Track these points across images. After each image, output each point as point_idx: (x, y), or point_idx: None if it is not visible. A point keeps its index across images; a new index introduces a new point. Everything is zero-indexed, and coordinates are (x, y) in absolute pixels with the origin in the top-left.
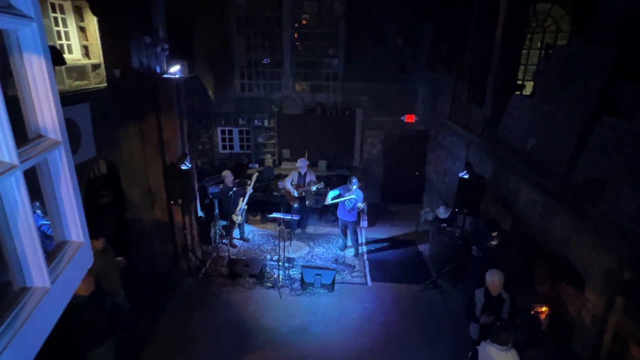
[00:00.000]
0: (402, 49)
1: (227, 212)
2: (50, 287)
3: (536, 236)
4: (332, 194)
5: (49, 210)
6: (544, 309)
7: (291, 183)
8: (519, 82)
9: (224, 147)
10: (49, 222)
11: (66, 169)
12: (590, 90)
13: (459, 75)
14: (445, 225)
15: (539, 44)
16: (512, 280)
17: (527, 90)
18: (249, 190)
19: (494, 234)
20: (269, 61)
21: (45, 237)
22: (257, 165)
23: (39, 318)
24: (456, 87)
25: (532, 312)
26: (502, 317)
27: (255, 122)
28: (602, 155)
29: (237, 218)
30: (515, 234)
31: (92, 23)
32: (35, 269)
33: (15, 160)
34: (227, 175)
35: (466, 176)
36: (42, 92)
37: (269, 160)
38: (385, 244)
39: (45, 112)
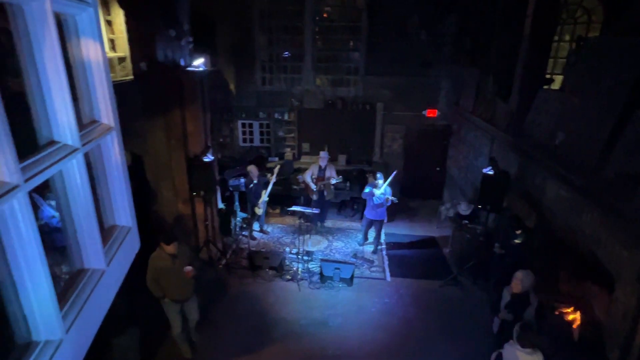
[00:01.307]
0: (425, 42)
1: (248, 205)
2: (106, 269)
3: (562, 233)
4: (367, 189)
5: (100, 195)
6: (572, 316)
7: (311, 177)
8: (548, 76)
9: (244, 141)
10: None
11: (117, 154)
12: (624, 82)
13: (483, 69)
14: (466, 221)
15: (569, 36)
16: (536, 278)
17: (556, 85)
18: (272, 180)
19: (518, 231)
20: (290, 55)
21: (55, 230)
22: (276, 159)
23: (97, 298)
24: (480, 80)
25: (557, 313)
26: (522, 317)
27: (276, 115)
28: (636, 149)
29: (259, 210)
30: (540, 231)
31: (118, 17)
32: (93, 251)
33: (78, 144)
34: (252, 170)
35: (490, 172)
36: (97, 76)
37: (288, 154)
38: (405, 240)
39: (100, 97)
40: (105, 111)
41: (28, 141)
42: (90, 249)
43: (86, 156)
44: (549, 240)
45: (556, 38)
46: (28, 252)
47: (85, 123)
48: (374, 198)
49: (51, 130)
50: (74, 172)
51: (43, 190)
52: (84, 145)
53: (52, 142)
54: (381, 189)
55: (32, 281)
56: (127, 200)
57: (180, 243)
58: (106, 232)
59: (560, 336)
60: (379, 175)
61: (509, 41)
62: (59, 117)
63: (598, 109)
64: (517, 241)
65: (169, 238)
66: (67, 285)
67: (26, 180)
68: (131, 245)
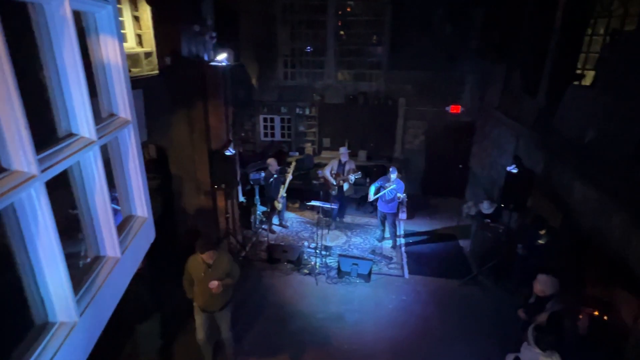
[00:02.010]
0: (450, 36)
1: (268, 198)
2: (121, 257)
3: (589, 236)
4: (373, 188)
5: (117, 186)
6: (593, 312)
7: (330, 172)
8: (579, 71)
9: (266, 135)
10: None
11: (134, 146)
12: None
13: (511, 64)
14: (489, 220)
15: (603, 30)
16: (560, 281)
17: (587, 81)
18: (289, 177)
19: (542, 231)
20: (312, 49)
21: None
22: (297, 154)
23: (111, 285)
24: (507, 76)
25: (581, 317)
26: (533, 321)
27: (297, 110)
28: None
29: (279, 205)
30: (566, 233)
31: (145, 12)
32: (108, 240)
33: (94, 136)
34: (272, 162)
35: (515, 170)
36: (115, 72)
37: (309, 148)
38: (424, 237)
39: (118, 92)
40: (123, 105)
41: (48, 133)
42: (106, 237)
43: (104, 148)
44: (574, 242)
45: (589, 31)
46: (44, 239)
47: (103, 116)
48: (386, 193)
49: (69, 123)
50: (91, 163)
51: None
52: (100, 137)
53: (70, 135)
54: (392, 184)
55: (49, 266)
56: (143, 192)
57: (220, 252)
58: (122, 221)
59: (576, 336)
60: (392, 169)
61: (538, 35)
62: (77, 110)
63: (631, 107)
64: (540, 242)
65: (204, 246)
66: (82, 271)
67: (43, 171)
68: (146, 235)
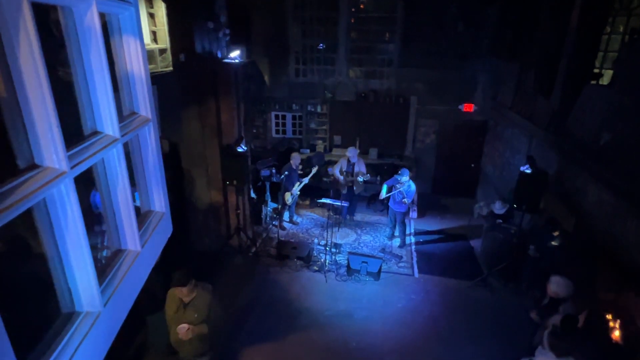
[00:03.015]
0: (463, 35)
1: (280, 192)
2: (141, 251)
3: (603, 240)
4: (385, 187)
5: (137, 182)
6: (611, 324)
7: (340, 170)
8: (596, 70)
9: (277, 132)
10: None
11: (154, 144)
12: None
13: (524, 63)
14: (500, 221)
15: (622, 28)
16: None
17: (605, 80)
18: (305, 180)
19: (555, 234)
20: (324, 47)
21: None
22: (308, 151)
23: (132, 277)
24: (521, 75)
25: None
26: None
27: (308, 107)
28: None
29: (289, 199)
30: (579, 236)
31: (160, 9)
32: (129, 234)
33: (118, 134)
34: (295, 156)
35: (528, 170)
36: (137, 71)
37: (320, 146)
38: (435, 237)
39: (139, 91)
40: (144, 104)
41: (75, 131)
42: (127, 231)
43: (125, 145)
44: (588, 245)
45: (607, 30)
46: (72, 232)
47: (125, 115)
48: (396, 194)
49: (95, 121)
50: (114, 160)
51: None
52: (123, 135)
53: (95, 132)
54: (403, 186)
55: (76, 258)
56: (161, 188)
57: (201, 291)
58: (142, 216)
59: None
60: (402, 171)
61: (553, 33)
62: (102, 109)
63: None
64: (553, 243)
65: (180, 278)
66: (106, 263)
67: (72, 167)
68: (164, 229)
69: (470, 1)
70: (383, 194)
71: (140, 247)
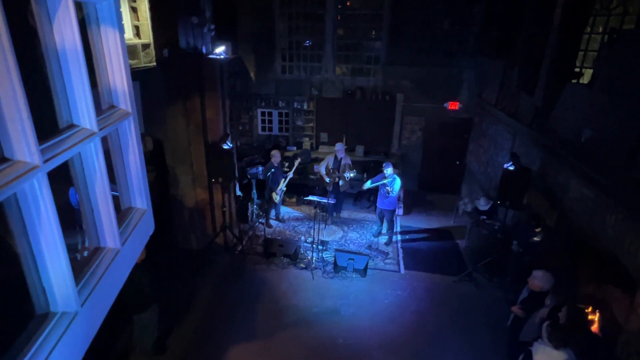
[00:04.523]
0: (449, 32)
1: (267, 189)
2: (121, 249)
3: (584, 234)
4: (369, 182)
5: (117, 178)
6: (591, 317)
7: (327, 167)
8: (577, 70)
9: (263, 129)
10: None
11: (134, 139)
12: None
13: (509, 61)
14: (485, 217)
15: (601, 28)
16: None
17: (585, 79)
18: (290, 174)
19: (537, 229)
20: (310, 43)
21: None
22: (294, 148)
23: (111, 276)
24: (505, 73)
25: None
26: (533, 316)
27: (295, 104)
28: None
29: (276, 197)
30: (561, 231)
31: (143, 3)
32: (108, 231)
33: (95, 128)
34: (275, 154)
35: (511, 167)
36: (116, 63)
37: (306, 143)
38: (421, 233)
39: (118, 84)
40: (123, 97)
41: (49, 124)
42: (106, 228)
43: (104, 140)
44: (569, 240)
45: (587, 30)
46: (46, 229)
47: (104, 108)
48: (380, 184)
49: (70, 114)
50: (92, 155)
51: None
52: (101, 129)
53: (71, 126)
54: (388, 179)
55: (51, 256)
56: (143, 184)
57: None
58: (122, 213)
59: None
60: (386, 164)
61: (536, 32)
62: (78, 101)
63: (629, 106)
64: (536, 239)
65: None
66: (83, 261)
67: (45, 161)
68: (146, 227)
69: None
70: (367, 185)
71: (121, 245)
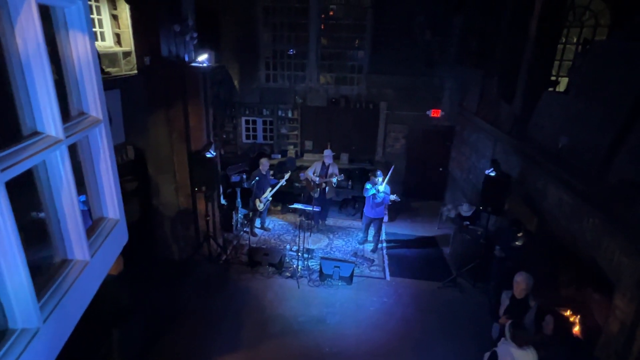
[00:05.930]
0: (430, 42)
1: (251, 199)
2: (90, 261)
3: (563, 238)
4: (369, 185)
5: (88, 187)
6: (572, 319)
7: (313, 174)
8: (553, 78)
9: (247, 137)
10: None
11: (105, 147)
12: (630, 88)
13: (488, 70)
14: (468, 223)
15: (575, 39)
16: (536, 282)
17: (561, 87)
18: (281, 182)
19: (519, 234)
20: (294, 52)
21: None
22: (279, 156)
23: (79, 289)
24: (485, 82)
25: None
26: (523, 322)
27: (279, 112)
28: None
29: (260, 205)
30: (541, 235)
31: (124, 11)
32: (76, 242)
33: (61, 135)
34: (264, 162)
35: (492, 174)
36: (85, 69)
37: (291, 151)
38: (405, 240)
39: (88, 90)
40: (94, 104)
41: (10, 131)
42: (73, 239)
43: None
44: (549, 244)
45: (562, 40)
46: (4, 241)
47: (73, 115)
48: (377, 195)
49: (34, 121)
50: (58, 163)
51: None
52: (68, 137)
53: (35, 133)
54: (382, 186)
55: (8, 269)
56: (115, 193)
57: None
58: (93, 223)
59: (559, 334)
60: (378, 172)
61: (514, 42)
62: (42, 107)
63: (603, 114)
64: (517, 244)
65: None
66: (48, 275)
67: (2, 170)
68: (118, 237)
69: (437, 10)
70: (368, 189)
71: (90, 257)
